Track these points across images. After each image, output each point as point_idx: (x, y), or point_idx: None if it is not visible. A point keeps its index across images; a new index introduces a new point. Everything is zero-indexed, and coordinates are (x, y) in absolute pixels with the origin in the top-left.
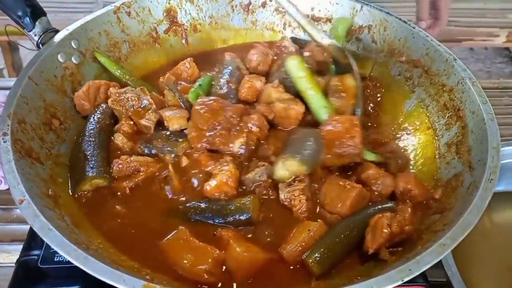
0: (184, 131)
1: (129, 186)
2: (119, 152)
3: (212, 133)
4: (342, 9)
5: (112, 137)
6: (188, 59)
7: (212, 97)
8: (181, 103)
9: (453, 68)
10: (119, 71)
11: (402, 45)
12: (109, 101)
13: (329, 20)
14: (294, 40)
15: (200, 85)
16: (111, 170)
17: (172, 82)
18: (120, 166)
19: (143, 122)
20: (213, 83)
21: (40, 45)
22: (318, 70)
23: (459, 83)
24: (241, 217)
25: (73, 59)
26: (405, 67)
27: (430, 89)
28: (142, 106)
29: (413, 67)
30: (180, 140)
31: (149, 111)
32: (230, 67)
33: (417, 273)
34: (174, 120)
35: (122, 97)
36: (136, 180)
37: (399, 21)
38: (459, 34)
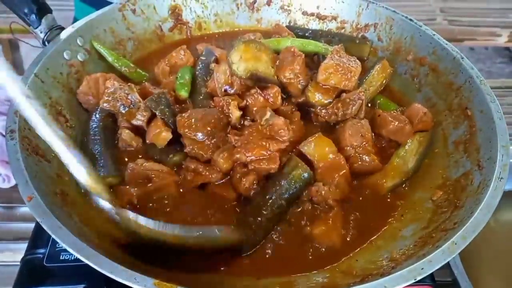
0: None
1: (136, 193)
2: (128, 149)
3: (214, 140)
4: (348, 7)
5: (119, 134)
6: (184, 46)
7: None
8: (165, 120)
9: (460, 66)
10: (116, 60)
11: (408, 43)
12: (101, 102)
13: (334, 18)
14: (289, 28)
15: (180, 81)
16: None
17: (166, 73)
18: (134, 170)
19: (134, 122)
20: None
21: (46, 43)
22: None
23: (467, 81)
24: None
25: (78, 56)
26: (411, 66)
27: (437, 87)
28: (132, 105)
29: (419, 65)
30: (171, 155)
31: (139, 110)
32: (201, 64)
33: (430, 272)
34: (159, 140)
35: (111, 98)
36: (144, 189)
37: (405, 19)
38: (461, 34)
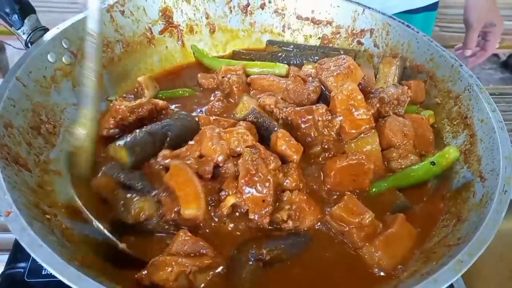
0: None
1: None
2: None
3: None
4: (343, 12)
5: None
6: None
7: None
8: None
9: (459, 74)
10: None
11: (405, 50)
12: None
13: (329, 23)
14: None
15: None
16: None
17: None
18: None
19: None
20: None
21: (29, 44)
22: None
23: (466, 89)
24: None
25: (63, 59)
26: (408, 73)
27: (435, 95)
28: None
29: (416, 72)
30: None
31: None
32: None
33: None
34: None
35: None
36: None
37: (402, 25)
38: (451, 40)
